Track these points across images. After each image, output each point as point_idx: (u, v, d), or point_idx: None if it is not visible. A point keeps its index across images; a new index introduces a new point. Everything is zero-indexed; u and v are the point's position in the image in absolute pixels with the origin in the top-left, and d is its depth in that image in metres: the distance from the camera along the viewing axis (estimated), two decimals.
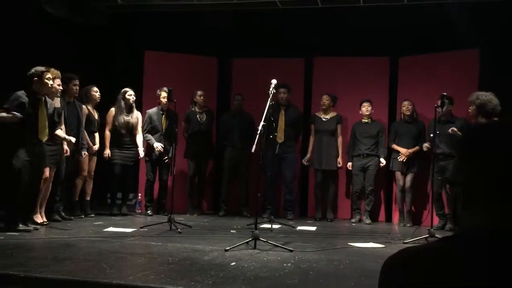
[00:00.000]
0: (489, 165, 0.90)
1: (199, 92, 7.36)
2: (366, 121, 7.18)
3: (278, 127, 7.08)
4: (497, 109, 5.44)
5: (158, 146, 6.97)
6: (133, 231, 5.43)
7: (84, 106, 6.49)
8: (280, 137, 7.13)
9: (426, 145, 6.58)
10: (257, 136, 4.74)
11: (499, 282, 0.81)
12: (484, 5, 6.63)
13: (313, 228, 6.28)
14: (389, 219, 7.42)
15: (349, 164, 7.23)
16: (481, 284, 0.81)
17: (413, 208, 7.00)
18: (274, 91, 5.22)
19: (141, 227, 5.63)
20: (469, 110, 5.76)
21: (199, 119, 7.37)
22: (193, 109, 7.39)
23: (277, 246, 4.48)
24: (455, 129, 5.86)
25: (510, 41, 6.54)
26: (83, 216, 6.51)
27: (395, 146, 6.99)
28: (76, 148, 6.23)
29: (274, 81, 5.17)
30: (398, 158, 6.90)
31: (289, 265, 3.80)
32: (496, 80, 6.24)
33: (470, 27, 6.39)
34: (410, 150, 6.84)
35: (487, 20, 6.62)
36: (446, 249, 0.87)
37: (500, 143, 0.90)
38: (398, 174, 6.98)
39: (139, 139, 6.95)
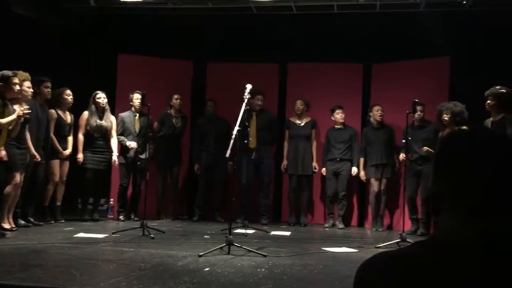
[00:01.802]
0: (457, 172, 0.93)
1: (175, 96, 7.31)
2: (339, 127, 7.24)
3: (249, 132, 7.07)
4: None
5: (131, 144, 6.90)
6: (104, 237, 5.34)
7: (52, 111, 6.32)
8: (252, 142, 7.11)
9: (402, 156, 6.54)
10: (232, 141, 4.74)
11: (469, 287, 0.82)
12: (455, 13, 6.79)
13: (287, 233, 6.29)
14: (361, 223, 7.49)
15: (324, 169, 7.27)
16: None
17: (386, 212, 7.09)
18: (249, 96, 5.22)
19: (113, 233, 5.55)
20: (445, 118, 5.83)
21: (174, 123, 7.32)
22: (169, 111, 7.34)
23: (251, 251, 4.47)
24: (427, 149, 6.05)
25: (480, 48, 6.71)
26: (53, 221, 6.35)
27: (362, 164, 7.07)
28: (46, 153, 6.11)
29: (249, 86, 5.17)
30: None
31: (263, 270, 3.80)
32: (467, 87, 6.38)
33: (441, 35, 6.53)
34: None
35: (457, 28, 6.79)
36: (419, 254, 0.89)
37: (467, 151, 0.93)
38: (372, 180, 7.04)
39: (114, 143, 6.85)
